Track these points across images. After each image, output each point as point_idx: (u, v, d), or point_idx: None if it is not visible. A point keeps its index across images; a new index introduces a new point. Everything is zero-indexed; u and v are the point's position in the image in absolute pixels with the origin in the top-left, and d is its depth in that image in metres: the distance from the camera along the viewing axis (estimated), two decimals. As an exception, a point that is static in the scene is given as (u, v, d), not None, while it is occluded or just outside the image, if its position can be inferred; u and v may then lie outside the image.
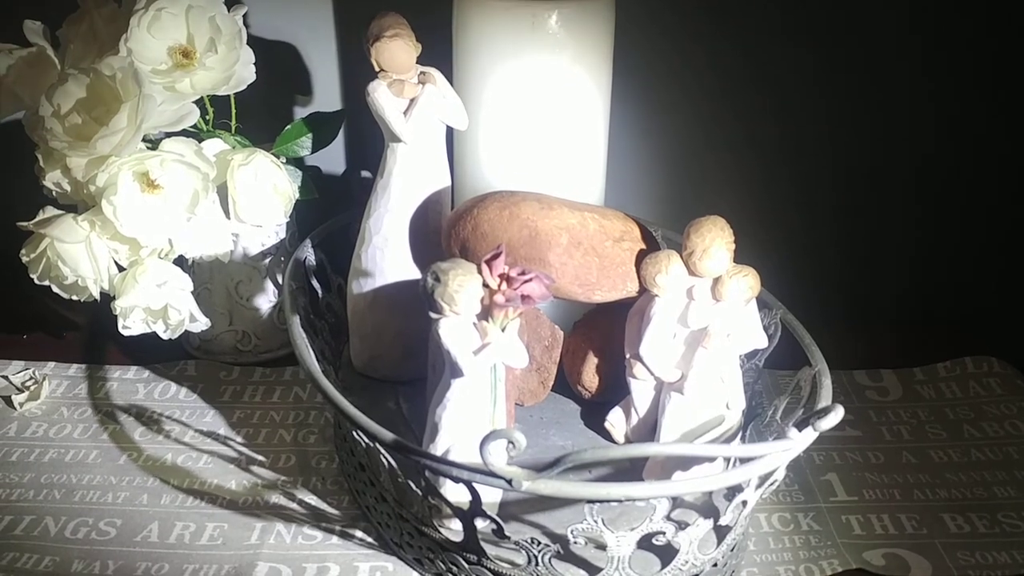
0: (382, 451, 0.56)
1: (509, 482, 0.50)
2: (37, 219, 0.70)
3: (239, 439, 0.72)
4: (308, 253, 0.74)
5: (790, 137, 0.87)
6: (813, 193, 0.89)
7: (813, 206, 0.89)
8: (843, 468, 0.70)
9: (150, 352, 0.79)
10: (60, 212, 0.71)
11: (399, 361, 0.71)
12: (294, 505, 0.66)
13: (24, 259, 0.71)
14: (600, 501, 0.52)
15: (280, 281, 0.80)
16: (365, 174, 0.88)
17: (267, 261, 0.80)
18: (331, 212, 0.78)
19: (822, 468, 0.70)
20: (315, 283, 0.74)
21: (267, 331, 0.82)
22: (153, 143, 0.70)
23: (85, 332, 0.84)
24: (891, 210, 0.89)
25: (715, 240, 0.61)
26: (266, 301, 0.81)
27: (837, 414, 0.52)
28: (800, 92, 0.86)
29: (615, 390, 0.67)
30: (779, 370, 0.75)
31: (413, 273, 0.69)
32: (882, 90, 0.85)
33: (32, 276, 0.71)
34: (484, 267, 0.56)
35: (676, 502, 0.55)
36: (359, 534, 0.63)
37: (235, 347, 0.82)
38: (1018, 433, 0.74)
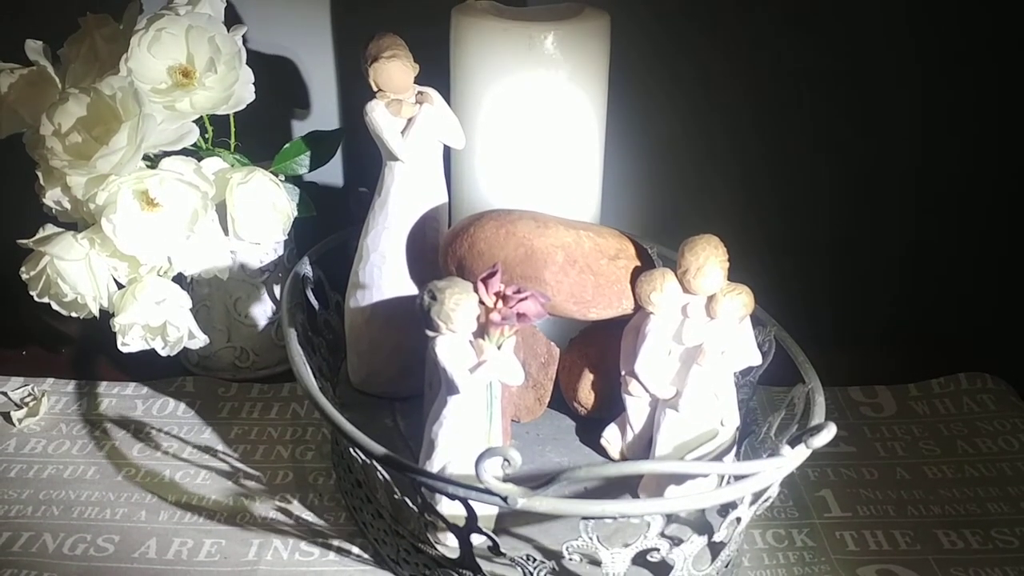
0: (378, 468, 0.57)
1: (504, 499, 0.51)
2: (37, 237, 0.71)
3: (237, 455, 0.73)
4: (306, 270, 0.74)
5: (784, 154, 0.88)
6: (808, 210, 0.89)
7: (807, 223, 0.90)
8: (837, 484, 0.71)
9: (148, 368, 0.80)
10: (60, 230, 0.71)
11: (396, 378, 0.72)
12: (291, 521, 0.66)
13: (24, 276, 0.71)
14: (595, 518, 0.52)
15: (278, 298, 0.80)
16: (363, 192, 0.88)
17: (265, 278, 0.81)
18: (329, 229, 0.78)
19: (816, 484, 0.70)
20: (313, 300, 0.74)
21: (265, 347, 0.82)
22: (153, 162, 0.71)
23: (84, 349, 0.84)
24: (885, 226, 0.90)
25: (709, 258, 0.61)
26: (264, 318, 0.82)
27: (829, 432, 0.53)
28: (794, 109, 0.86)
29: (611, 407, 0.68)
30: (773, 387, 0.76)
31: (410, 290, 0.69)
32: (876, 105, 0.86)
33: (32, 293, 0.72)
34: (480, 285, 0.56)
35: (670, 519, 0.55)
36: (356, 550, 0.64)
37: (233, 363, 0.82)
38: (1011, 449, 0.74)
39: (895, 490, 0.70)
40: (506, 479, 0.51)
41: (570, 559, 0.54)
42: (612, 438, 0.67)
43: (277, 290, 0.81)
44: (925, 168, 0.88)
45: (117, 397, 0.79)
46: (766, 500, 0.57)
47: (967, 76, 0.85)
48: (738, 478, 0.54)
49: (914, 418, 0.78)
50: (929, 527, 0.67)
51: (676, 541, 0.55)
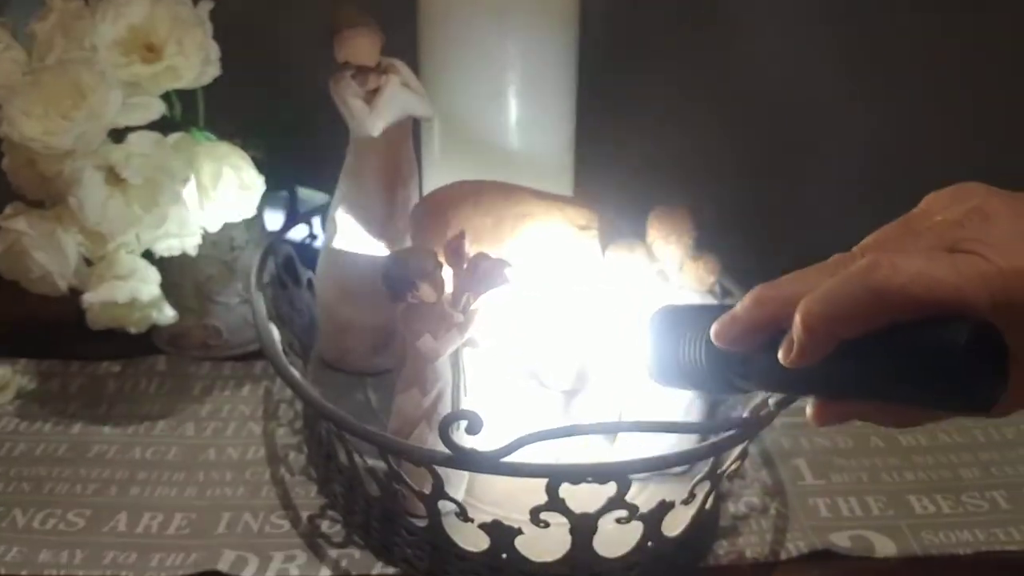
0: (346, 436, 0.57)
1: (470, 463, 0.51)
2: (4, 214, 0.70)
3: (208, 432, 0.72)
4: (277, 247, 0.74)
5: (766, 128, 0.87)
6: (782, 181, 0.89)
7: (777, 191, 0.89)
8: (811, 453, 0.71)
9: (120, 347, 0.79)
10: (27, 208, 0.70)
11: (368, 355, 0.72)
12: (262, 494, 0.66)
13: (-8, 255, 0.71)
14: (561, 480, 0.52)
15: (250, 276, 0.80)
16: (333, 167, 0.88)
17: (236, 255, 0.80)
18: (300, 205, 0.78)
19: (790, 453, 0.70)
20: (285, 277, 0.74)
21: (237, 326, 0.82)
22: (119, 137, 0.70)
23: (55, 327, 0.83)
24: (874, 211, 0.90)
25: (676, 228, 0.62)
26: (236, 296, 0.81)
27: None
28: (782, 84, 0.86)
29: (584, 376, 0.67)
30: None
31: (381, 265, 0.69)
32: (869, 92, 0.85)
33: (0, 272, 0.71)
34: (446, 253, 0.56)
35: (640, 482, 0.55)
36: (326, 523, 0.63)
37: (205, 342, 0.81)
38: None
39: (869, 458, 0.70)
40: (472, 443, 0.51)
41: (538, 524, 0.54)
42: (584, 406, 0.67)
43: (248, 268, 0.80)
44: (921, 160, 0.88)
45: (89, 376, 0.79)
46: (736, 463, 0.57)
47: (972, 68, 0.85)
48: (707, 440, 0.54)
49: (889, 387, 0.78)
50: (902, 493, 0.67)
51: (647, 504, 0.55)
